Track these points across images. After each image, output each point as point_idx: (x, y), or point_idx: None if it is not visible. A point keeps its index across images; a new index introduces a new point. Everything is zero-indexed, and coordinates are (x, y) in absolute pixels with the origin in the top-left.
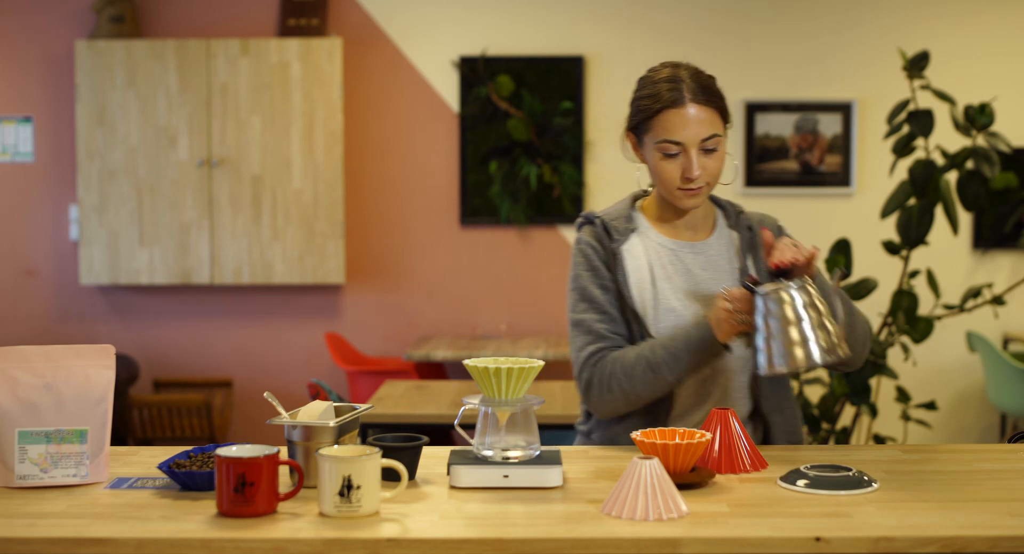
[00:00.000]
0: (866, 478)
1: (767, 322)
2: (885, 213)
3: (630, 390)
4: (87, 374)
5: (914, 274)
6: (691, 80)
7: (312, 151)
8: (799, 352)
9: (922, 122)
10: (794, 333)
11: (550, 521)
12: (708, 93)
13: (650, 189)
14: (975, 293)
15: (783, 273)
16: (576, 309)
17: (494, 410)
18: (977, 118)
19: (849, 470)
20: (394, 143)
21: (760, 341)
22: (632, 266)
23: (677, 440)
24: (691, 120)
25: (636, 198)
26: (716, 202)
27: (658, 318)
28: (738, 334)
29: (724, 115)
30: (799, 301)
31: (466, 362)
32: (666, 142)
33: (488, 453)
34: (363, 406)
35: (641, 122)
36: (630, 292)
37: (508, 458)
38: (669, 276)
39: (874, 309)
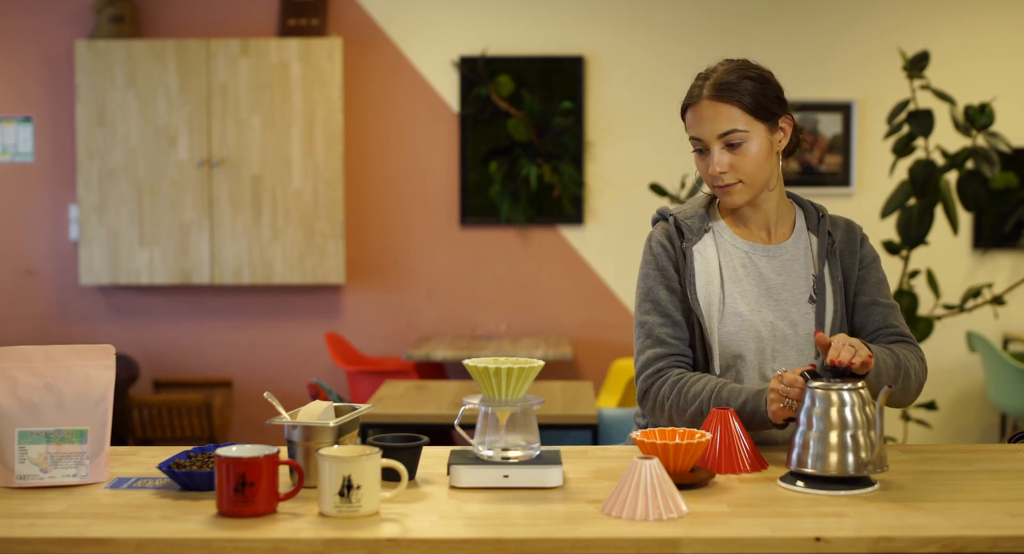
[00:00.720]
0: (866, 478)
1: (810, 419)
2: (885, 213)
3: (677, 419)
4: (87, 374)
5: (914, 274)
6: (718, 75)
7: (312, 151)
8: (834, 458)
9: (922, 122)
10: (835, 438)
11: (550, 521)
12: (728, 88)
13: None
14: (975, 293)
15: (840, 372)
16: (641, 308)
17: (494, 410)
18: (977, 118)
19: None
20: (394, 143)
21: (798, 436)
22: (701, 268)
23: (677, 440)
24: (705, 116)
25: (714, 196)
26: (798, 202)
27: (724, 322)
28: (788, 418)
29: (756, 112)
30: (848, 405)
31: (466, 362)
32: (691, 138)
33: (488, 453)
34: (363, 406)
35: (683, 119)
36: (695, 295)
37: (508, 458)
38: (739, 279)
39: None
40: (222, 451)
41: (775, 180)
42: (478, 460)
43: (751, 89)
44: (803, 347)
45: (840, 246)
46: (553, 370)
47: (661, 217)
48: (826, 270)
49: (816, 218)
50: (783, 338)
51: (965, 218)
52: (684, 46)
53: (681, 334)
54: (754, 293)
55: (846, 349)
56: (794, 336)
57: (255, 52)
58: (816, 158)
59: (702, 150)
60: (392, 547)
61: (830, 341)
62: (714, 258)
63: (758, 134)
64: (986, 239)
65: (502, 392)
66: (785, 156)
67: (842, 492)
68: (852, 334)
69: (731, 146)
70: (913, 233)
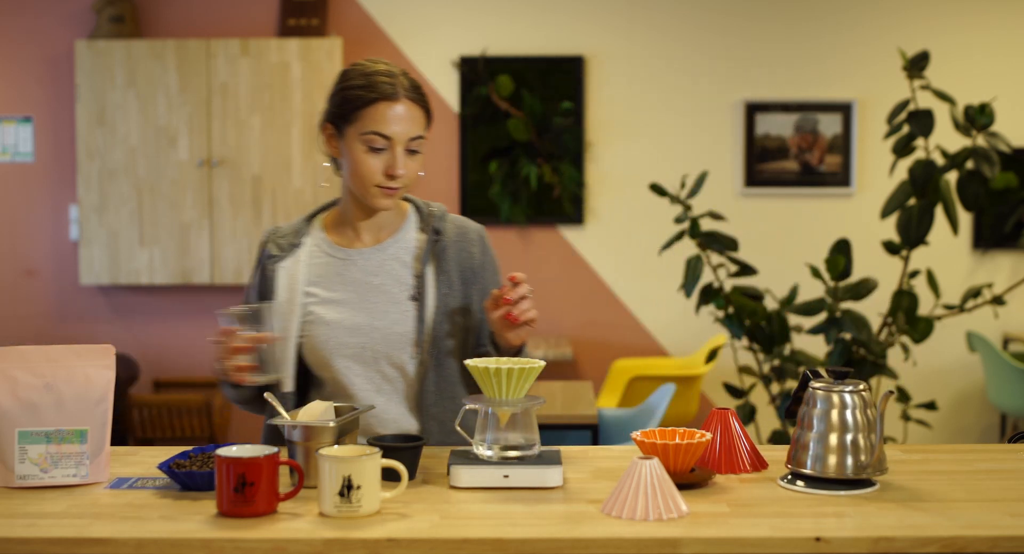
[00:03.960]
0: (866, 478)
1: (811, 420)
2: (885, 213)
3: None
4: (87, 374)
5: (914, 274)
6: (404, 77)
7: (312, 151)
8: (833, 460)
9: (922, 122)
10: (834, 440)
11: (550, 521)
12: (418, 93)
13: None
14: (975, 293)
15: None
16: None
17: (494, 410)
18: (977, 118)
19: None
20: None
21: (798, 437)
22: (283, 284)
23: (677, 440)
24: (403, 116)
25: (318, 212)
26: (413, 203)
27: (315, 332)
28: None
29: (429, 118)
30: (848, 407)
31: (467, 362)
32: (374, 134)
33: (488, 453)
34: (363, 406)
35: (348, 112)
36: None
37: (508, 458)
38: (332, 288)
39: (874, 309)
40: (222, 451)
41: None
42: (478, 460)
43: (426, 96)
44: (404, 344)
45: (452, 245)
46: (553, 370)
47: (264, 235)
48: (429, 269)
49: (427, 216)
50: (384, 338)
51: (965, 218)
52: (684, 46)
53: None
54: (349, 300)
55: (527, 303)
56: (394, 335)
57: (255, 52)
58: (816, 158)
59: (379, 148)
60: (392, 547)
61: (511, 291)
62: (300, 273)
63: (426, 142)
64: (986, 239)
65: (503, 392)
66: None
67: (842, 492)
68: (478, 346)
69: (411, 152)
70: (913, 233)
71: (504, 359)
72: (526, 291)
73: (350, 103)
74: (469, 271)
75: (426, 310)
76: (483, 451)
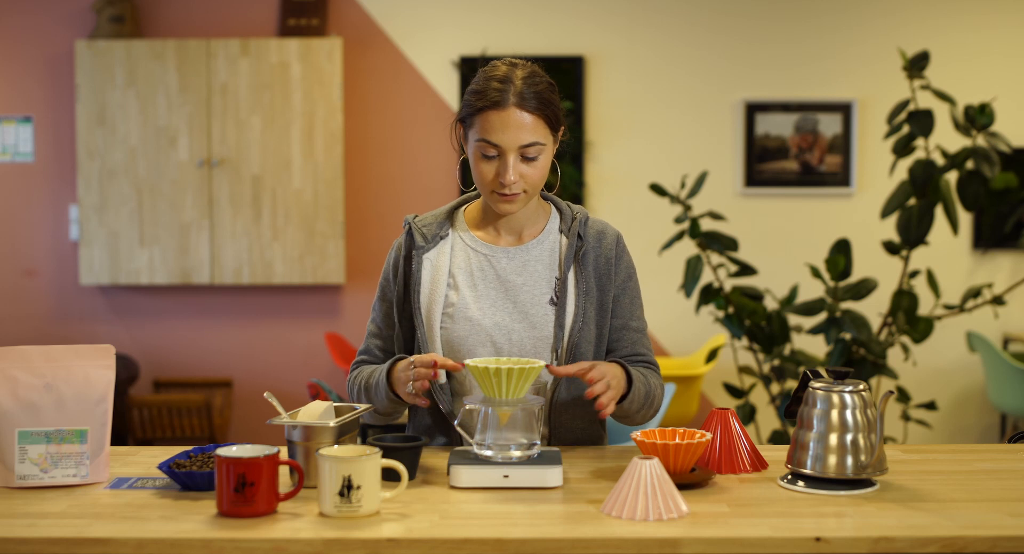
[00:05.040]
0: (866, 478)
1: (811, 420)
2: (885, 213)
3: (356, 397)
4: (87, 374)
5: (914, 274)
6: (521, 83)
7: (312, 151)
8: (833, 460)
9: (922, 122)
10: (834, 440)
11: (550, 521)
12: (536, 99)
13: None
14: (975, 293)
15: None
16: (374, 305)
17: (494, 410)
18: (977, 118)
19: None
20: (394, 143)
21: (798, 437)
22: (427, 276)
23: (677, 440)
24: (511, 124)
25: (465, 201)
26: (556, 205)
27: (454, 327)
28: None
29: (553, 124)
30: (849, 407)
31: (466, 362)
32: (484, 142)
33: (488, 453)
34: (363, 406)
35: (465, 116)
36: (419, 302)
37: (508, 458)
38: (475, 283)
39: (874, 309)
40: (222, 451)
41: None
42: (478, 460)
43: (551, 100)
44: (543, 349)
45: (592, 251)
46: None
47: (406, 223)
48: (571, 273)
49: (570, 220)
50: (520, 341)
51: (965, 218)
52: (684, 46)
53: (389, 346)
54: (491, 297)
55: (607, 395)
56: (531, 339)
57: (255, 52)
58: (816, 158)
59: (492, 155)
60: (392, 547)
61: (576, 372)
62: (444, 265)
63: (550, 145)
64: (986, 239)
65: (502, 392)
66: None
67: (842, 492)
68: (605, 352)
69: (528, 158)
70: (913, 233)
71: (504, 359)
72: (600, 389)
73: (466, 108)
74: (605, 276)
75: (565, 315)
76: (483, 451)
